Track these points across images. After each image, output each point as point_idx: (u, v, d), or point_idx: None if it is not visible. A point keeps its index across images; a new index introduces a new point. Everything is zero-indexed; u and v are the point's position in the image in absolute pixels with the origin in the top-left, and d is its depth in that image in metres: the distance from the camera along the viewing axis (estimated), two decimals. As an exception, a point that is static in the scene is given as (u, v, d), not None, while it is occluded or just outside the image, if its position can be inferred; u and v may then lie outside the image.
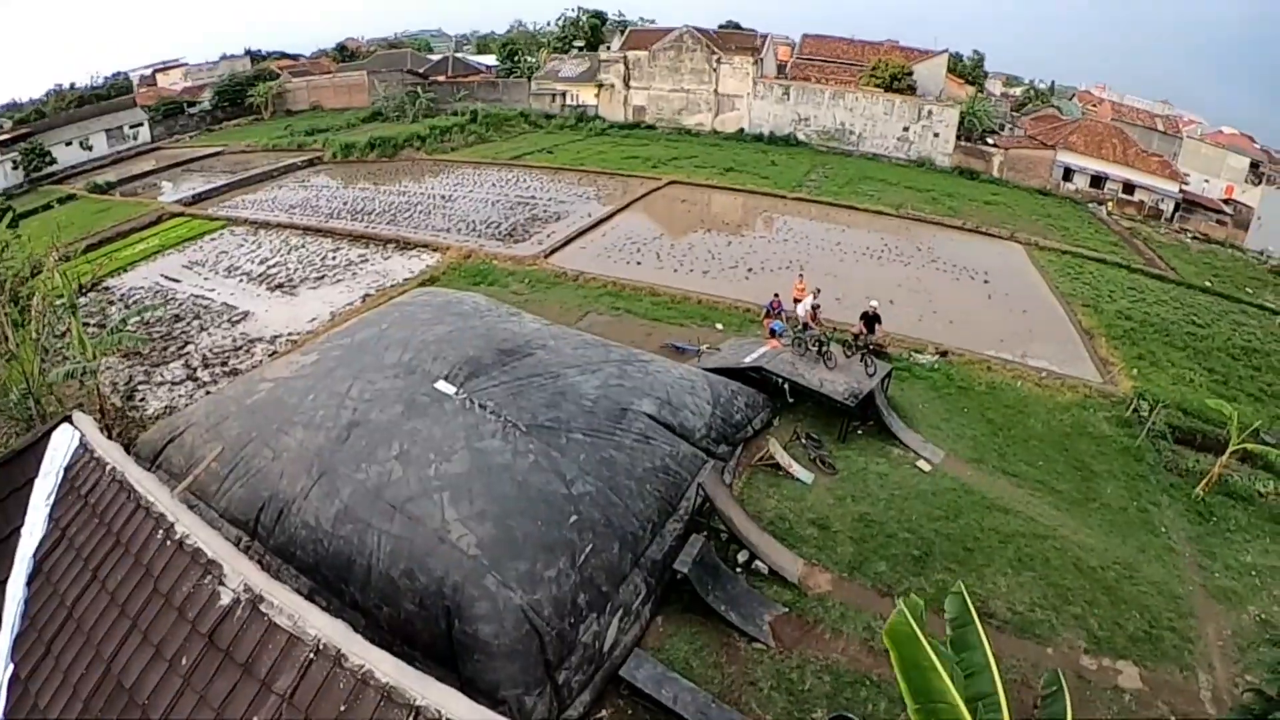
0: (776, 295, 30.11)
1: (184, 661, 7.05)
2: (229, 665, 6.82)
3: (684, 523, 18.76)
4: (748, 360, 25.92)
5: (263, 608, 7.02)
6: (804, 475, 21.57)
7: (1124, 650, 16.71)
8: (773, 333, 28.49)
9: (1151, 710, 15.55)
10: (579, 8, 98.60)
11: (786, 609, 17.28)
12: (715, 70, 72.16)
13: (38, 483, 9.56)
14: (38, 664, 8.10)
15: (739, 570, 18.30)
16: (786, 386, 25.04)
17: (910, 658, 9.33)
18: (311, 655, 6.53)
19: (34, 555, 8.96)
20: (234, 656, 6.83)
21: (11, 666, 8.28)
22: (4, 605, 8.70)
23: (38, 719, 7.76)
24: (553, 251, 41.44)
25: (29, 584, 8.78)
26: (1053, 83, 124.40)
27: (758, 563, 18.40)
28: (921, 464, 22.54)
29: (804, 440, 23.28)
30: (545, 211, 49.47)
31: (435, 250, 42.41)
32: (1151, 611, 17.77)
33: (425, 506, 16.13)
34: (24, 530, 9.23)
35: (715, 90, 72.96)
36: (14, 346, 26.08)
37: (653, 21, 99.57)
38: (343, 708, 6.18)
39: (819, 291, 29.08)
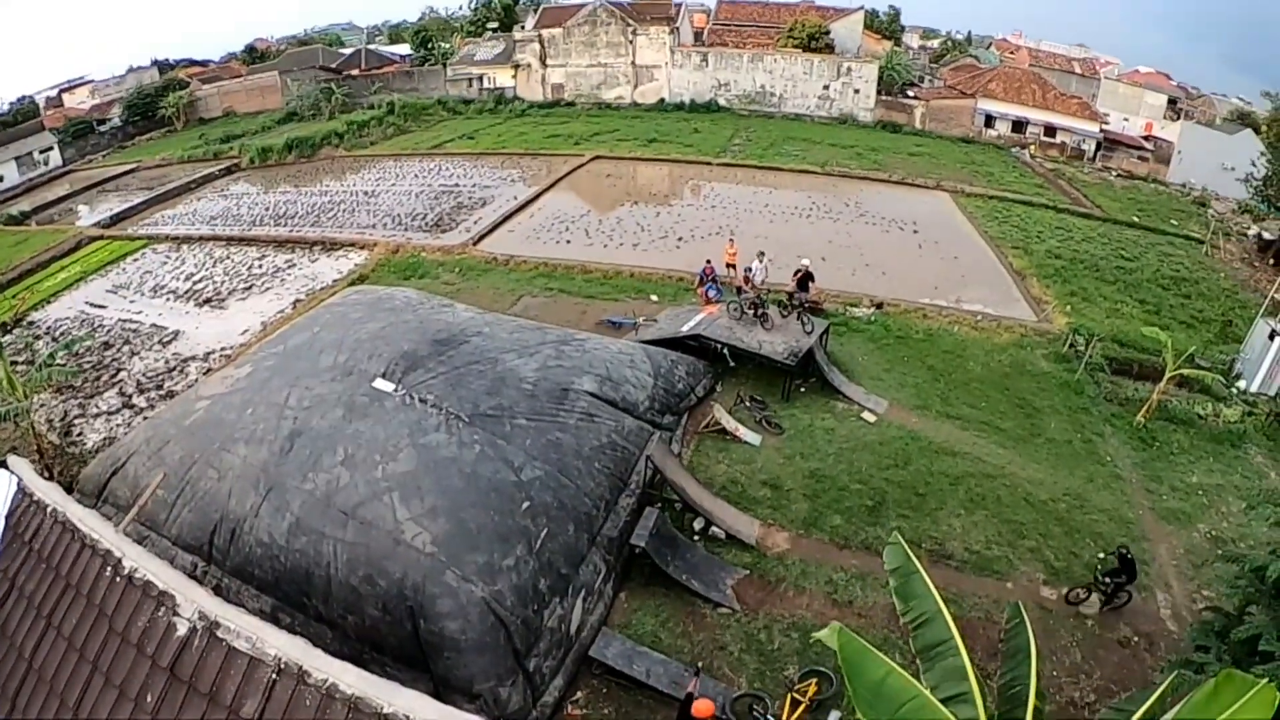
0: (709, 261, 29.80)
1: (149, 698, 6.92)
2: (194, 696, 6.73)
3: (636, 497, 18.62)
4: (685, 329, 25.78)
5: (220, 633, 6.89)
6: (751, 438, 21.50)
7: (1081, 578, 16.85)
8: (708, 298, 28.33)
9: (1115, 633, 15.78)
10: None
11: (747, 571, 17.25)
12: (632, 42, 71.69)
13: None
14: None
15: (696, 538, 18.21)
16: (726, 351, 24.93)
17: (864, 678, 8.85)
18: (274, 675, 6.45)
19: None
20: (197, 686, 6.74)
21: None
22: None
23: None
24: (481, 238, 40.80)
25: None
26: (969, 33, 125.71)
27: (714, 529, 18.35)
28: (866, 415, 22.57)
29: (748, 403, 23.25)
30: (470, 198, 48.71)
31: (362, 248, 41.51)
32: (1105, 538, 18.04)
33: (377, 509, 15.79)
34: None
35: (633, 62, 72.52)
36: None
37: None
38: None
39: (763, 254, 28.83)
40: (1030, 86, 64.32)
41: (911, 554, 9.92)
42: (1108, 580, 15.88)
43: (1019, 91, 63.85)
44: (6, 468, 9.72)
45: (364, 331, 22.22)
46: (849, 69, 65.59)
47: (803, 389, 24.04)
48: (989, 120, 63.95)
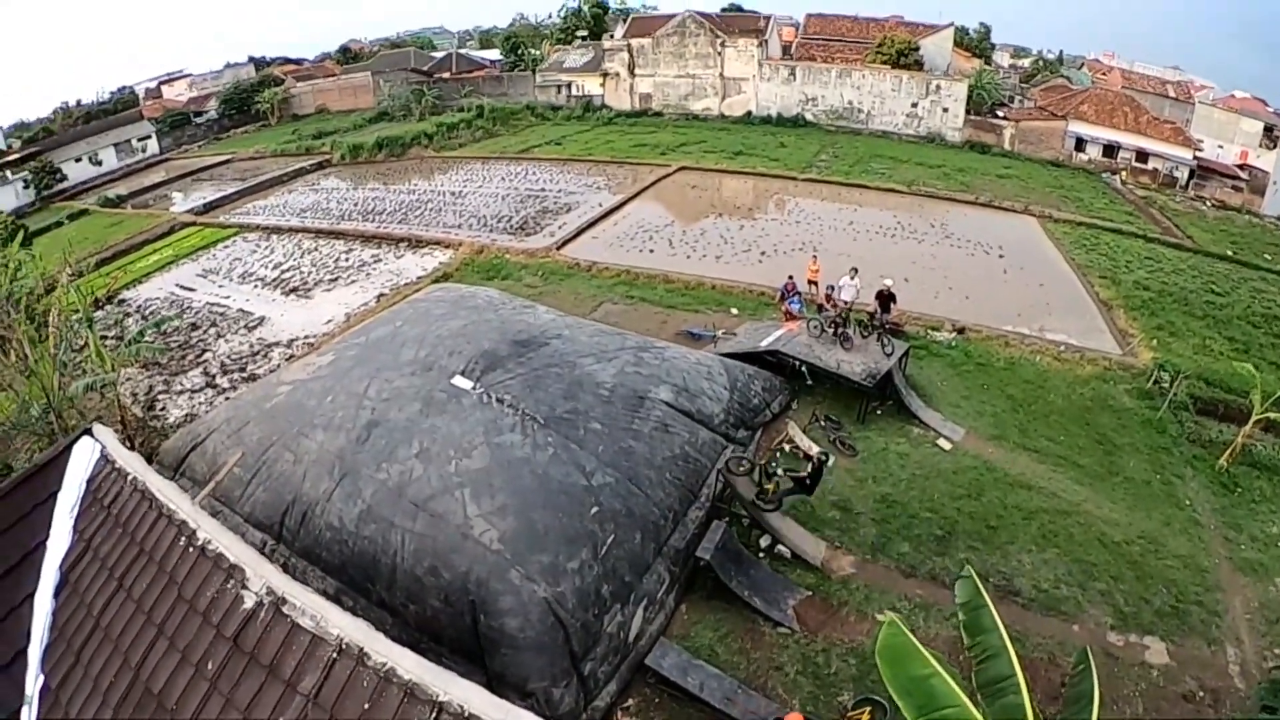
0: (791, 277, 29.84)
1: (210, 666, 7.05)
2: (254, 668, 6.85)
3: (705, 510, 18.73)
4: (764, 344, 25.83)
5: (285, 610, 7.00)
6: (824, 458, 21.54)
7: (1150, 626, 16.60)
8: (789, 314, 28.46)
9: (1180, 686, 15.45)
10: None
11: (810, 592, 17.24)
12: (720, 54, 71.72)
13: (61, 495, 9.60)
14: (68, 673, 8.15)
15: (762, 555, 18.28)
16: (804, 369, 24.98)
17: (906, 672, 9.14)
18: (334, 655, 6.55)
19: (60, 567, 9.01)
20: (258, 659, 6.86)
21: (42, 677, 8.32)
22: (33, 617, 8.74)
23: None
24: (565, 243, 41.40)
25: (56, 595, 8.82)
26: (1061, 52, 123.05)
27: (780, 547, 18.37)
28: (942, 442, 22.42)
29: (823, 422, 23.24)
30: (556, 203, 49.44)
31: (447, 247, 42.48)
32: (1178, 586, 17.65)
33: (447, 503, 16.18)
34: (49, 543, 9.27)
35: (721, 74, 72.50)
36: (33, 362, 26.31)
37: (655, 9, 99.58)
38: (366, 706, 6.21)
39: (856, 271, 28.19)
40: (1123, 109, 62.62)
41: (982, 588, 10.04)
42: None
43: (1111, 114, 62.20)
44: (91, 435, 10.07)
45: (446, 328, 22.85)
46: (937, 87, 64.84)
47: (879, 411, 23.92)
48: (1079, 143, 62.43)
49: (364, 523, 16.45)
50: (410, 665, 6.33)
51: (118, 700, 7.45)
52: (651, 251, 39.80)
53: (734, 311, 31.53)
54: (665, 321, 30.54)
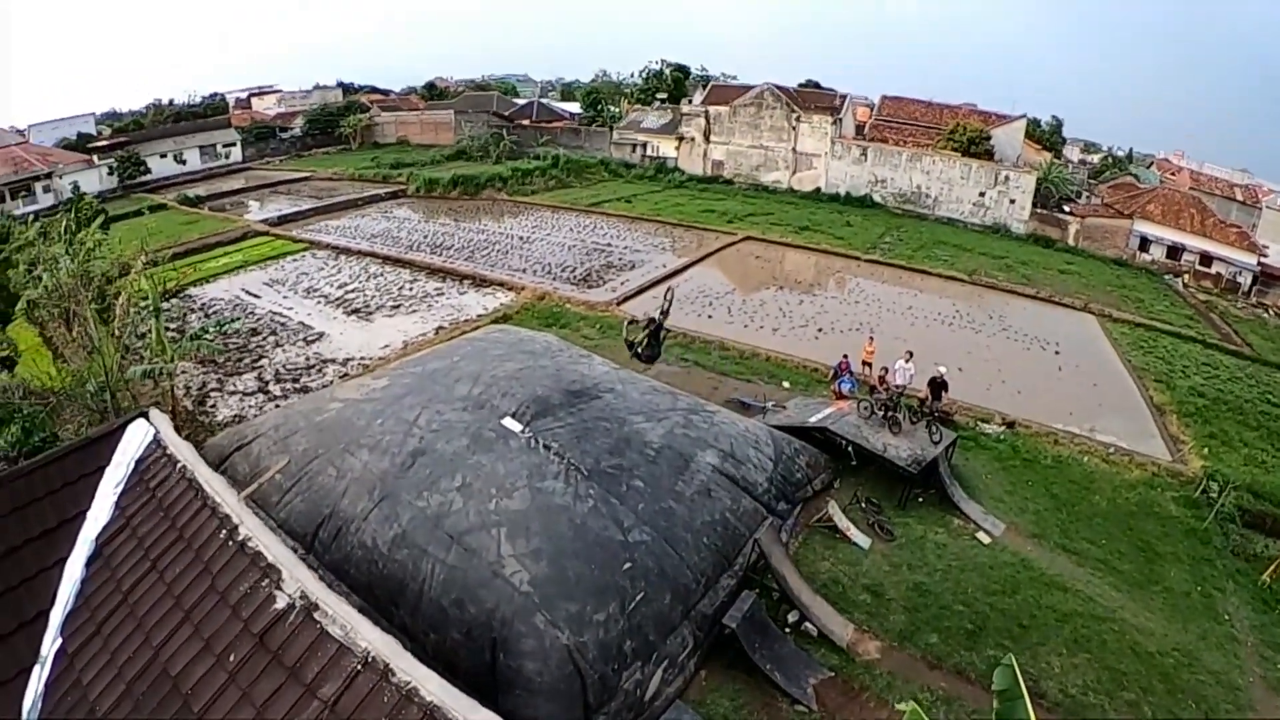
0: (845, 357, 30.30)
1: (232, 658, 7.21)
2: (276, 667, 6.96)
3: (738, 578, 18.89)
4: (813, 420, 25.99)
5: (316, 615, 7.18)
6: (861, 540, 21.57)
7: (1180, 741, 16.41)
8: (839, 394, 28.72)
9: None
10: (663, 60, 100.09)
11: (832, 673, 17.24)
12: (794, 128, 72.81)
13: (108, 471, 9.95)
14: (86, 642, 8.32)
15: (788, 630, 18.32)
16: (850, 449, 25.02)
17: None
18: (359, 666, 6.63)
19: (96, 539, 9.31)
20: (282, 660, 6.98)
21: (60, 641, 8.51)
22: (61, 582, 9.01)
23: (78, 696, 7.96)
24: (626, 299, 42.12)
25: (88, 565, 9.09)
26: (1131, 150, 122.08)
27: (807, 624, 18.44)
28: (981, 536, 22.39)
29: (864, 504, 23.29)
30: (620, 259, 50.41)
31: (510, 289, 43.51)
32: (1209, 702, 17.43)
33: (482, 539, 16.54)
34: (89, 514, 9.59)
35: (794, 148, 73.49)
36: (97, 341, 27.46)
37: (734, 78, 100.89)
38: None
39: (911, 355, 28.76)
40: (1189, 211, 61.95)
41: (1021, 679, 10.23)
42: None
43: (1177, 215, 61.56)
44: (147, 418, 10.44)
45: (502, 369, 23.47)
46: (1006, 177, 65.01)
47: (921, 499, 23.97)
48: (1144, 243, 61.85)
49: (397, 547, 16.83)
50: (434, 688, 6.42)
51: (133, 676, 7.63)
52: (710, 317, 40.34)
53: (786, 385, 31.81)
54: (717, 388, 30.88)
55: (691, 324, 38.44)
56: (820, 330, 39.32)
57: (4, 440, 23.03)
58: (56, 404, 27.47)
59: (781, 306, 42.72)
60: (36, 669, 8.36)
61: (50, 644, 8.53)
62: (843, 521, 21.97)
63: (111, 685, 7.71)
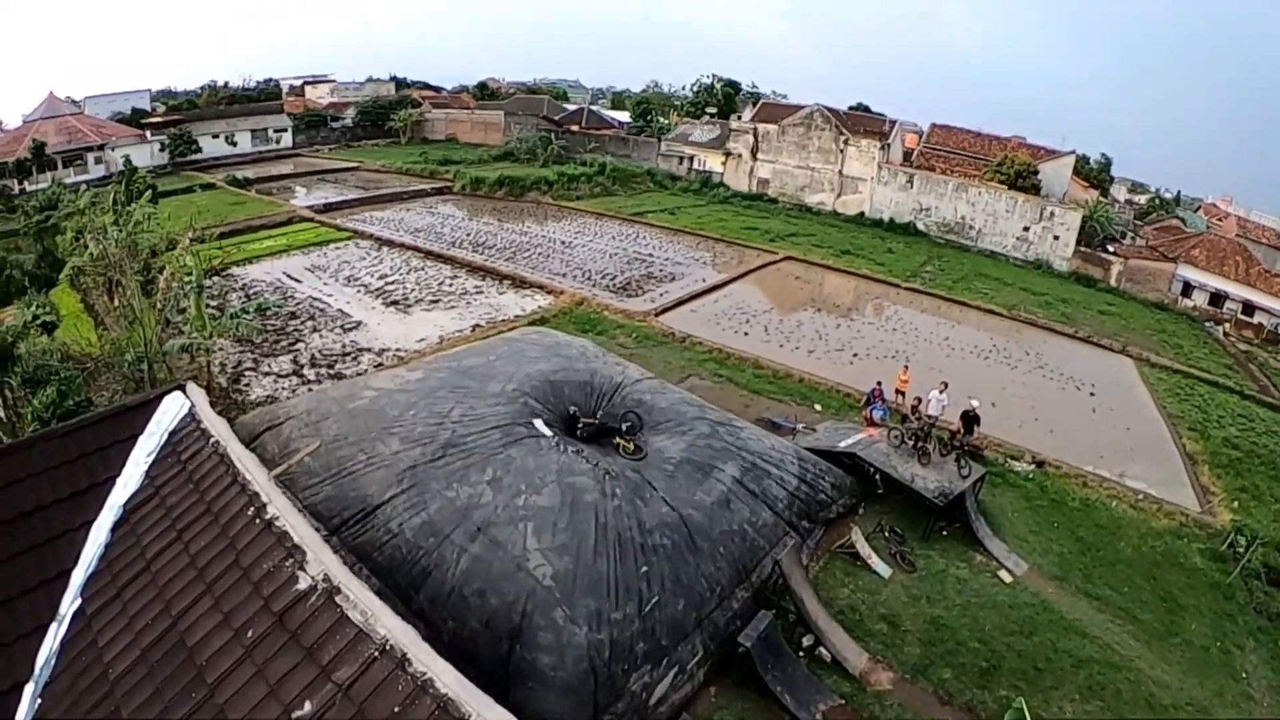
0: (879, 383, 30.44)
1: (250, 634, 7.23)
2: (292, 646, 6.96)
3: (753, 590, 19.02)
4: (842, 445, 26.05)
5: (338, 599, 7.19)
6: (882, 569, 21.61)
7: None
8: (871, 420, 28.79)
9: None
10: (714, 75, 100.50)
11: (843, 700, 17.24)
12: (842, 151, 72.76)
13: (141, 440, 10.05)
14: (106, 604, 8.39)
15: (801, 654, 18.36)
16: (878, 476, 24.98)
17: None
18: (376, 653, 6.62)
19: (124, 505, 9.38)
20: (300, 640, 6.98)
21: (80, 601, 8.61)
22: (85, 544, 9.11)
23: (93, 656, 8.03)
24: (663, 311, 42.40)
25: (114, 530, 9.16)
26: (1178, 192, 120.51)
27: (821, 649, 18.49)
28: (1003, 574, 22.34)
29: (887, 533, 23.29)
30: (661, 271, 50.73)
31: (549, 293, 43.98)
32: (1219, 760, 17.44)
33: (509, 533, 16.78)
34: (119, 480, 9.68)
35: (840, 171, 73.40)
36: (138, 312, 28.11)
37: (784, 96, 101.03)
38: (397, 709, 6.24)
39: (945, 386, 28.80)
40: (1234, 258, 61.05)
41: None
42: None
43: (1222, 262, 60.70)
44: (183, 391, 10.59)
45: (536, 369, 23.78)
46: (1052, 213, 64.58)
47: (945, 532, 23.94)
48: (1186, 288, 61.10)
49: (423, 535, 17.03)
50: (449, 680, 6.41)
51: (149, 642, 7.68)
52: (746, 334, 40.55)
53: (818, 408, 31.87)
54: (749, 405, 30.97)
55: (728, 339, 38.75)
56: (855, 355, 39.37)
57: (39, 401, 23.63)
58: (94, 370, 28.15)
59: (818, 329, 42.85)
60: (54, 626, 8.47)
61: (69, 603, 8.65)
62: (865, 549, 22.01)
63: (127, 649, 7.81)
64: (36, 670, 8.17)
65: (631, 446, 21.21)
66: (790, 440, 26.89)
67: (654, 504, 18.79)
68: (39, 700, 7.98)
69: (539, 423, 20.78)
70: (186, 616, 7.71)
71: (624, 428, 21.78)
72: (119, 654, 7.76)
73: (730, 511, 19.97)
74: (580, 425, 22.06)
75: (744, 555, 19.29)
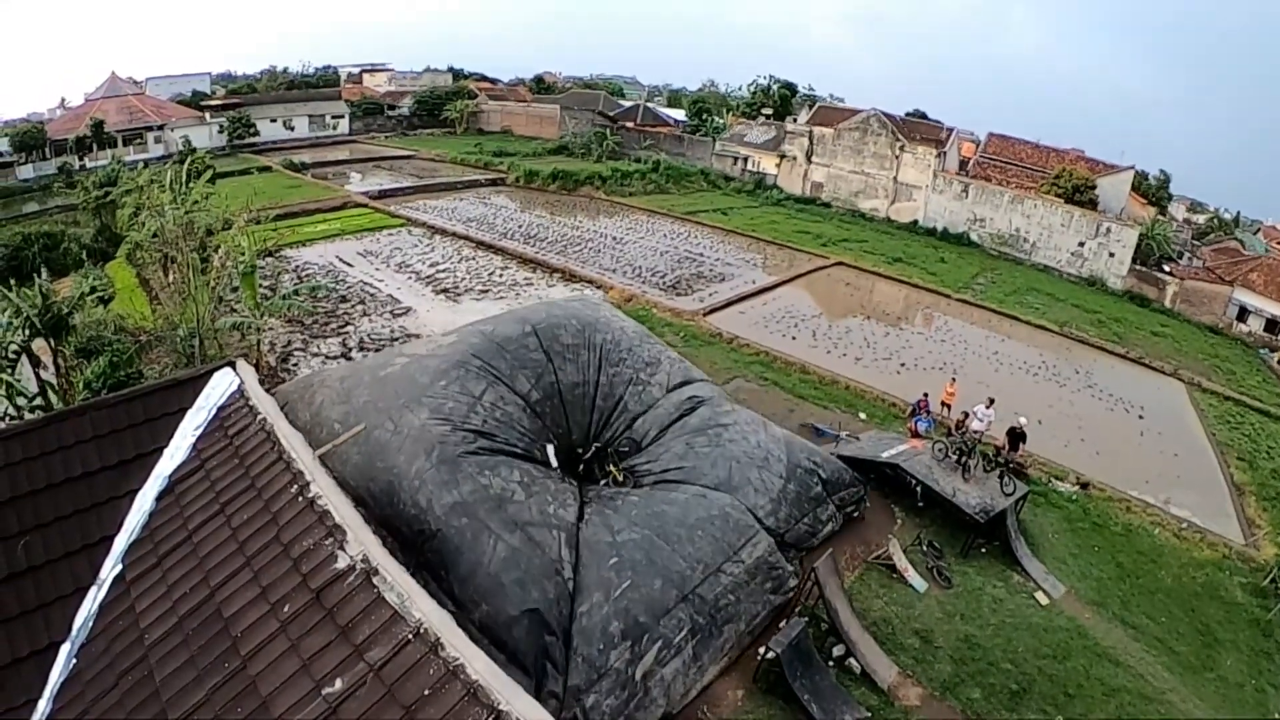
0: (925, 395, 30.32)
1: (286, 609, 7.34)
2: (327, 624, 7.06)
3: (745, 565, 18.98)
4: (885, 455, 25.85)
5: (375, 580, 7.26)
6: (918, 583, 21.62)
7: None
8: (915, 432, 28.79)
9: None
10: (771, 76, 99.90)
11: (869, 714, 17.26)
12: (897, 157, 72.20)
13: (190, 413, 10.29)
14: (146, 572, 8.61)
15: (831, 664, 18.41)
16: (919, 489, 24.93)
17: None
18: (410, 636, 6.67)
19: (170, 476, 9.61)
20: (335, 618, 7.07)
21: (120, 566, 8.83)
22: (129, 511, 9.35)
23: (130, 621, 8.23)
24: (712, 311, 42.58)
25: (158, 499, 9.39)
26: (1239, 214, 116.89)
27: (851, 660, 18.54)
28: (1040, 596, 22.24)
29: (925, 547, 23.17)
30: (711, 271, 50.86)
31: (599, 287, 44.31)
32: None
33: (544, 535, 17.36)
34: (166, 451, 9.91)
35: (894, 177, 72.84)
36: (192, 289, 28.89)
37: (841, 100, 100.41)
38: (426, 692, 6.27)
39: (992, 402, 28.57)
40: (1294, 283, 59.95)
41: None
42: None
43: (1280, 287, 59.94)
44: (234, 368, 10.78)
45: (564, 371, 23.79)
46: (1108, 230, 63.51)
47: (984, 549, 23.84)
48: (1242, 313, 59.52)
49: (455, 514, 17.20)
50: (480, 667, 6.45)
51: (186, 610, 7.88)
52: (794, 339, 40.58)
53: (862, 416, 31.83)
54: (793, 410, 31.06)
55: (775, 343, 38.83)
56: (903, 365, 39.23)
57: (91, 371, 24.39)
58: (146, 343, 28.93)
59: (866, 336, 42.74)
60: (93, 590, 8.73)
61: (110, 568, 8.89)
62: (902, 561, 22.01)
63: (164, 617, 7.99)
64: (74, 630, 8.44)
65: (620, 476, 21.97)
66: (834, 448, 26.91)
67: (624, 509, 19.37)
68: (74, 660, 8.23)
69: (550, 450, 21.29)
70: (225, 588, 7.87)
71: (611, 453, 23.00)
72: (156, 620, 7.98)
73: (707, 501, 20.12)
74: (581, 457, 22.97)
75: (728, 532, 19.28)
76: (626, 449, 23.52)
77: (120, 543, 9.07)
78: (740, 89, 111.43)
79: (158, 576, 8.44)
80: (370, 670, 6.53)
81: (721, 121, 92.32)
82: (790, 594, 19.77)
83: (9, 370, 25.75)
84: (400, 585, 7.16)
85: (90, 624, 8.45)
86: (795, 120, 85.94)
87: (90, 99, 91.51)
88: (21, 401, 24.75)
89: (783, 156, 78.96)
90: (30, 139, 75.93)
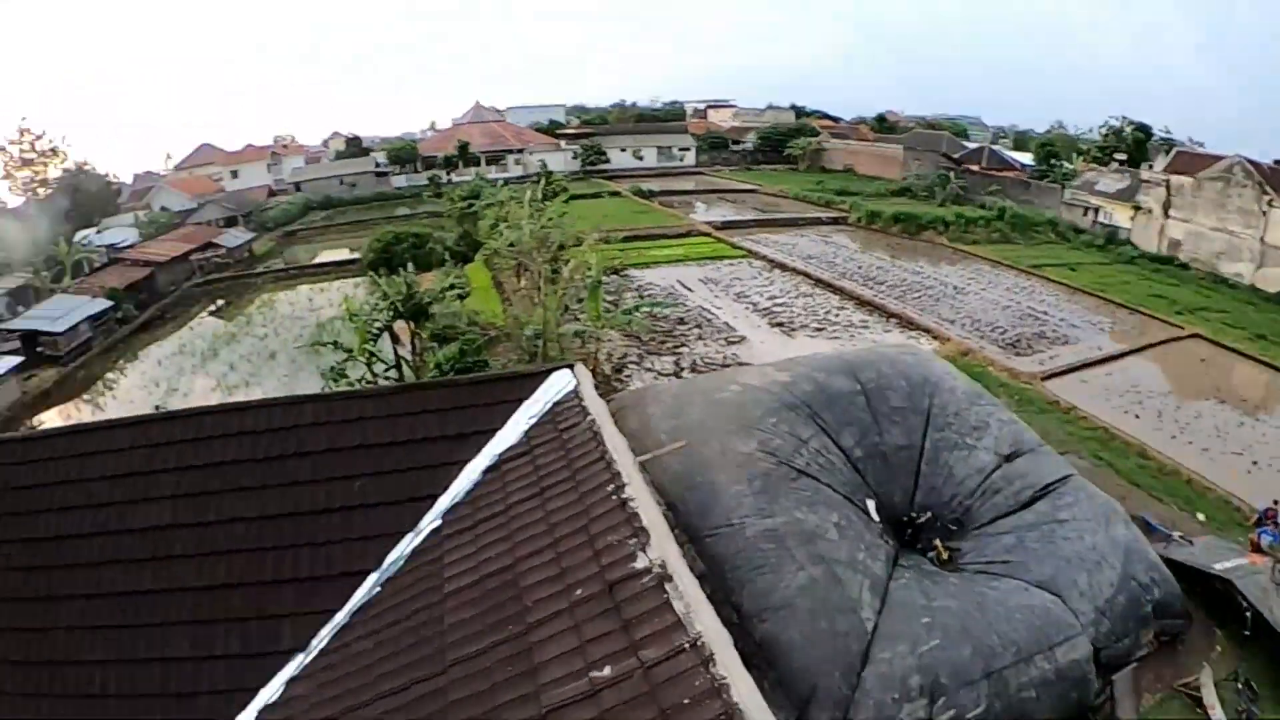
0: (1276, 504, 27.64)
1: (579, 592, 7.62)
2: (613, 615, 7.24)
3: (1058, 669, 18.27)
4: (1218, 567, 23.10)
5: (667, 586, 7.44)
6: (1223, 726, 19.71)
7: None
8: (1256, 544, 26.31)
9: None
10: (1124, 118, 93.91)
11: None
12: (1264, 214, 63.68)
13: (526, 404, 11.20)
14: (460, 531, 9.36)
15: None
16: (1249, 615, 21.72)
17: None
18: (687, 645, 6.75)
19: (499, 454, 10.54)
20: (621, 611, 7.21)
21: (439, 522, 9.69)
22: (457, 478, 10.20)
23: (435, 568, 9.02)
24: (1052, 375, 41.68)
25: (485, 472, 10.14)
26: None
27: None
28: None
29: (1240, 685, 20.12)
30: (1054, 331, 49.51)
31: (935, 337, 44.84)
32: None
33: (848, 575, 18.34)
34: (499, 433, 10.93)
35: (1262, 237, 64.30)
36: (542, 296, 33.46)
37: (1202, 144, 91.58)
38: (686, 701, 6.33)
39: None
40: None
41: None
42: None
43: None
44: (572, 370, 11.76)
45: (888, 434, 24.32)
46: None
47: (1315, 706, 20.65)
48: None
49: (764, 539, 18.15)
50: (744, 691, 6.50)
51: (488, 572, 8.44)
52: (1137, 417, 38.60)
53: (1200, 517, 29.37)
54: (1125, 498, 28.50)
55: (1115, 419, 37.12)
56: (1255, 463, 35.36)
57: (443, 354, 29.56)
58: (494, 338, 33.90)
59: (1218, 424, 39.30)
60: (410, 535, 9.74)
61: (430, 520, 9.80)
62: (1211, 696, 19.56)
63: (467, 572, 8.61)
64: (384, 565, 9.91)
65: (945, 555, 22.36)
66: (1164, 549, 24.88)
67: (943, 582, 20.07)
68: (378, 589, 9.66)
69: (872, 505, 22.44)
70: (527, 561, 8.29)
71: (940, 527, 23.09)
72: (459, 574, 8.66)
73: (1029, 594, 19.68)
74: (909, 526, 23.41)
75: (1047, 625, 18.69)
76: (954, 527, 23.90)
77: (444, 502, 9.98)
78: (1089, 131, 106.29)
79: (470, 538, 9.13)
80: (640, 667, 6.79)
81: (1070, 167, 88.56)
82: (1088, 715, 18.72)
83: (373, 341, 31.46)
84: (690, 596, 7.32)
85: (400, 563, 9.54)
86: (1150, 167, 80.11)
87: (457, 123, 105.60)
88: (379, 368, 30.52)
89: (1137, 208, 73.87)
90: (404, 154, 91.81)
